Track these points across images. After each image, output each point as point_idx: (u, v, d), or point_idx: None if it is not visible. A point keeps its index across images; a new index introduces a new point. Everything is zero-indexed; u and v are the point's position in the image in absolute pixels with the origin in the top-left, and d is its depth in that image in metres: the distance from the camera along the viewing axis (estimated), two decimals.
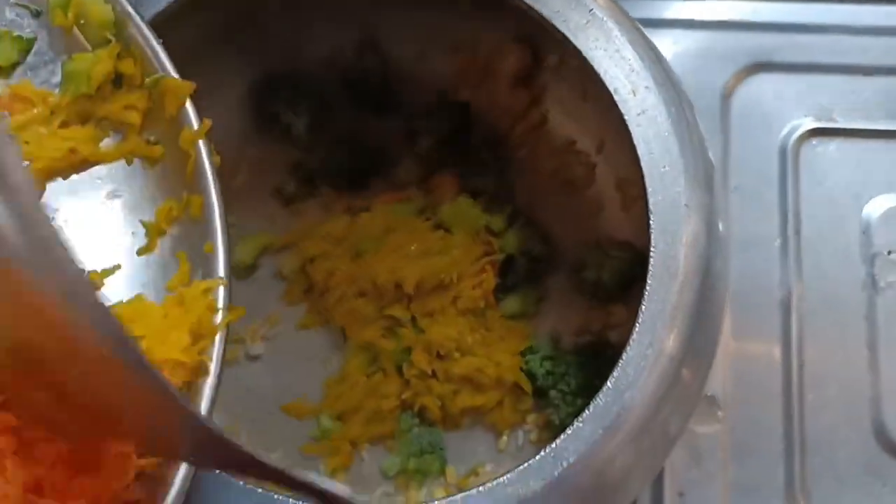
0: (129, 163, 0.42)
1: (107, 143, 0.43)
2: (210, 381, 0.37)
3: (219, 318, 0.38)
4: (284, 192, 0.61)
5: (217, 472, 0.41)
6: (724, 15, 0.66)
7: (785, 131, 0.64)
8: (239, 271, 0.59)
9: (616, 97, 0.46)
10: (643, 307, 0.44)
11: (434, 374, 0.56)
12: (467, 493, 0.40)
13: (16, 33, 0.43)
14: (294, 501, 0.41)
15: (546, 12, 0.48)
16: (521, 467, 0.40)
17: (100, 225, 0.42)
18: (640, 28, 0.49)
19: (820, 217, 0.62)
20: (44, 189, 0.41)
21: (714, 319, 0.49)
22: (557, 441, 0.41)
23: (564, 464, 0.40)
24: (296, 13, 0.59)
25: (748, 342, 0.59)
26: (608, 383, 0.42)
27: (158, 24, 0.45)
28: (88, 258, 0.41)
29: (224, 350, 0.38)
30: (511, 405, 0.56)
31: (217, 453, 0.30)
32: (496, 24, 0.57)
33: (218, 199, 0.40)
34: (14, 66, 0.43)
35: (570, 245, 0.59)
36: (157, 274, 0.41)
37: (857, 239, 0.61)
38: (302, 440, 0.56)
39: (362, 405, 0.56)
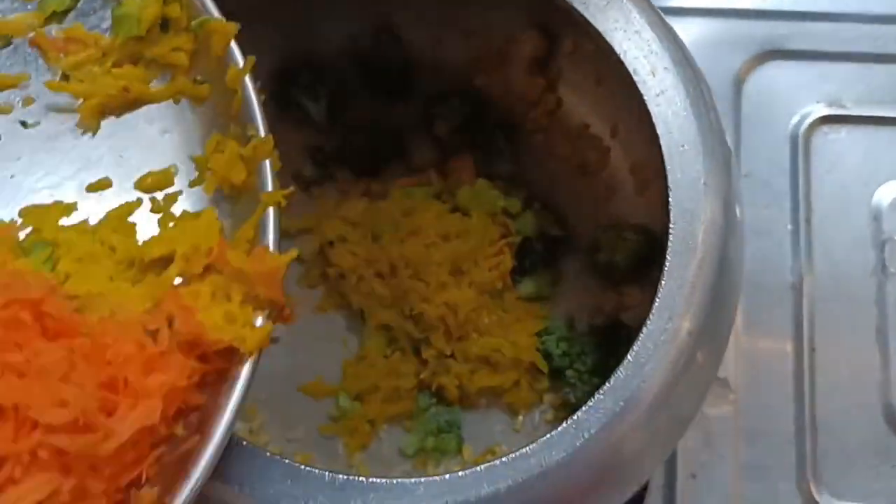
0: (176, 102, 0.44)
1: (156, 84, 0.44)
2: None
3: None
4: (303, 177, 0.62)
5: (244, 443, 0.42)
6: (736, 3, 0.67)
7: (796, 119, 0.64)
8: None
9: (635, 77, 0.46)
10: (662, 283, 0.44)
11: (452, 355, 0.56)
12: (490, 463, 0.41)
13: None
14: (319, 471, 0.41)
15: None
16: (544, 438, 0.41)
17: (156, 158, 0.43)
18: (657, 11, 0.49)
19: (830, 203, 0.62)
20: (99, 126, 0.43)
21: (729, 300, 0.49)
22: (579, 413, 0.41)
23: (586, 435, 0.41)
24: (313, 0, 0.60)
25: (760, 327, 0.60)
26: (628, 357, 0.42)
27: None
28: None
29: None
30: (527, 385, 0.57)
31: None
32: (512, 10, 0.58)
33: (265, 131, 0.42)
34: (66, 12, 0.44)
35: (585, 228, 0.60)
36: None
37: (867, 225, 0.62)
38: (321, 420, 0.57)
39: (380, 385, 0.57)
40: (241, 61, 0.42)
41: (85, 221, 0.42)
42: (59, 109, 0.43)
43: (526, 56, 0.59)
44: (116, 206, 0.42)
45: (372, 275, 0.58)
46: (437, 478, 0.41)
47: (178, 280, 0.40)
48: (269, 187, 0.41)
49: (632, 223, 0.57)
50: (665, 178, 0.45)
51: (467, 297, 0.56)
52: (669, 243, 0.44)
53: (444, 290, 0.56)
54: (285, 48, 0.61)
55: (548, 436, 0.42)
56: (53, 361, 0.35)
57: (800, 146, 0.64)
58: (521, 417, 0.57)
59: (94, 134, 0.43)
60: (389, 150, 0.62)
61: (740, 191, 0.50)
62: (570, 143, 0.60)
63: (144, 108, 0.44)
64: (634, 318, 0.55)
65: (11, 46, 0.44)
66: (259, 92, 0.42)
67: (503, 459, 0.41)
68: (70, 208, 0.42)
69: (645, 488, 0.56)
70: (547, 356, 0.56)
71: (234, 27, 0.42)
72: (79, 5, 0.44)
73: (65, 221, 0.42)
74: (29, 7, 0.44)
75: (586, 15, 0.48)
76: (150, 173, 0.43)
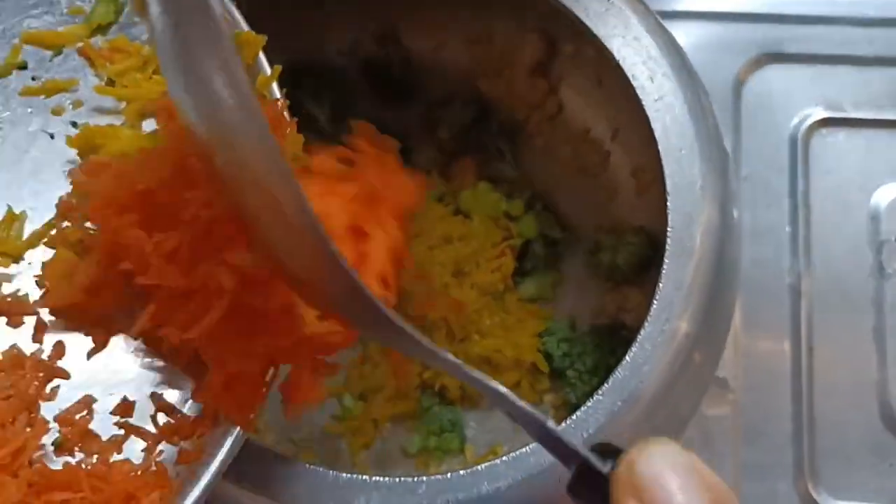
0: None
1: None
2: None
3: None
4: None
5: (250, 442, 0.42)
6: (736, 7, 0.68)
7: (795, 121, 0.65)
8: None
9: (634, 83, 0.47)
10: (660, 286, 0.45)
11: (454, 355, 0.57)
12: (491, 462, 0.42)
13: None
14: (323, 469, 0.42)
15: (566, 1, 0.50)
16: None
17: None
18: (656, 17, 0.50)
19: (829, 205, 0.63)
20: (141, 126, 0.46)
21: (727, 301, 0.50)
22: (578, 413, 0.42)
23: (585, 434, 0.41)
24: (317, 5, 0.60)
25: (758, 327, 0.60)
26: (626, 358, 0.43)
27: None
28: None
29: None
30: (529, 385, 0.57)
31: (362, 311, 0.32)
32: (513, 15, 0.59)
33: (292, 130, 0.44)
34: (110, 24, 0.48)
35: (586, 230, 0.60)
36: None
37: (865, 226, 0.62)
38: (325, 419, 0.58)
39: (384, 385, 0.57)
40: (268, 69, 0.45)
41: None
42: (106, 112, 0.47)
43: (527, 61, 0.60)
44: None
45: None
46: (439, 476, 0.42)
47: None
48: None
49: (632, 225, 0.58)
50: (663, 182, 0.46)
51: (469, 298, 0.57)
52: (667, 246, 0.45)
53: (447, 291, 0.57)
54: (290, 53, 0.61)
55: None
56: None
57: (799, 148, 0.64)
58: None
59: None
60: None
61: (738, 194, 0.50)
62: (572, 146, 0.61)
63: None
64: (635, 319, 0.56)
65: (62, 55, 0.48)
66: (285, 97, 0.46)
67: (504, 458, 0.42)
68: None
69: None
70: (548, 357, 0.57)
71: (262, 39, 0.45)
72: (121, 19, 0.48)
73: None
74: (77, 20, 0.48)
75: (586, 21, 0.49)
76: None
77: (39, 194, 0.45)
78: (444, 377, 0.57)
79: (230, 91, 0.28)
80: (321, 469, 0.42)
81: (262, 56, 0.46)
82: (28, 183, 0.45)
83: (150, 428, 0.41)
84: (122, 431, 0.41)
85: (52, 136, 0.46)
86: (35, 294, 0.43)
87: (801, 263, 0.62)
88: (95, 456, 0.40)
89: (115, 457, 0.40)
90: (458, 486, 0.42)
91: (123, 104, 0.47)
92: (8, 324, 0.42)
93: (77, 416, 0.41)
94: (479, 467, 0.42)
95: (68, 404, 0.41)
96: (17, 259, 0.44)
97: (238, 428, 0.39)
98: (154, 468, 0.39)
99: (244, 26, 0.46)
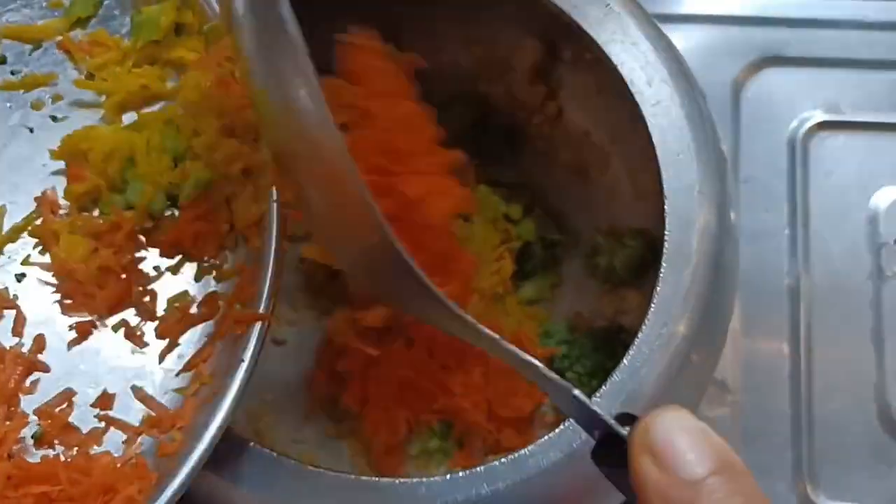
0: None
1: (171, 83, 0.48)
2: None
3: None
4: None
5: (252, 443, 0.43)
6: (735, 10, 0.68)
7: (794, 124, 0.65)
8: None
9: (632, 88, 0.48)
10: (657, 289, 0.45)
11: None
12: (490, 463, 0.42)
13: None
14: (325, 471, 0.42)
15: (565, 6, 0.50)
16: (543, 439, 0.42)
17: None
18: (654, 22, 0.50)
19: (828, 208, 0.63)
20: (121, 119, 0.47)
21: (724, 304, 0.50)
22: None
23: (584, 436, 0.42)
24: (314, 6, 0.60)
25: (758, 329, 0.60)
26: (624, 361, 0.43)
27: None
28: None
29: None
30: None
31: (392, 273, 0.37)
32: (513, 20, 0.59)
33: None
34: (89, 18, 0.49)
35: (585, 232, 0.60)
36: None
37: (864, 229, 0.63)
38: (326, 422, 0.58)
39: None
40: None
41: None
42: (85, 105, 0.48)
43: (527, 64, 0.60)
44: None
45: None
46: (438, 478, 0.42)
47: None
48: None
49: (631, 228, 0.58)
50: (661, 185, 0.46)
51: (469, 301, 0.57)
52: (665, 250, 0.45)
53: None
54: None
55: (547, 436, 0.43)
56: None
57: (798, 151, 0.65)
58: None
59: None
60: None
61: (736, 198, 0.51)
62: (571, 149, 0.61)
63: (160, 105, 0.48)
64: (633, 322, 0.56)
65: (41, 49, 0.48)
66: None
67: (503, 460, 0.42)
68: None
69: None
70: (547, 359, 0.57)
71: None
72: (99, 13, 0.49)
73: None
74: (56, 14, 0.49)
75: (584, 26, 0.49)
76: None
77: (19, 188, 0.45)
78: None
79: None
80: (322, 471, 0.43)
81: None
82: (7, 177, 0.46)
83: (131, 420, 0.41)
84: (102, 424, 0.41)
85: (31, 131, 0.47)
86: (13, 288, 0.43)
87: (800, 266, 0.62)
88: (75, 448, 0.40)
89: (95, 449, 0.40)
90: (457, 487, 0.42)
91: (103, 98, 0.47)
92: None
93: (57, 409, 0.41)
94: (478, 469, 0.42)
95: (48, 397, 0.41)
96: None
97: (216, 423, 0.39)
98: (134, 461, 0.40)
99: None
